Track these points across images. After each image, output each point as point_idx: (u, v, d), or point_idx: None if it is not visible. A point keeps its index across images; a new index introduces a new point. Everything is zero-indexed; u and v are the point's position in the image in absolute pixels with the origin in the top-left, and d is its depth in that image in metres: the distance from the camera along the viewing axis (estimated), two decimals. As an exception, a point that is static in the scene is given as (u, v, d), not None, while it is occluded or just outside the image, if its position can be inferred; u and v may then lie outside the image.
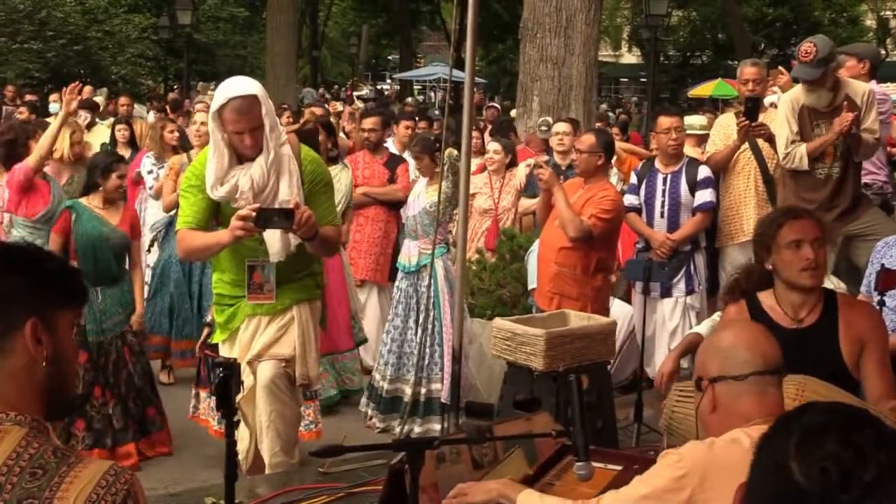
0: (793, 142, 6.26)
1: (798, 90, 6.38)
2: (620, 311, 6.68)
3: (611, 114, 20.40)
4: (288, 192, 4.36)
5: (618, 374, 6.65)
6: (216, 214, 4.48)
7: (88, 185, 6.08)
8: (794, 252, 3.68)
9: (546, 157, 8.04)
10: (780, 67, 8.71)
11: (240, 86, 4.29)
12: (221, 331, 4.69)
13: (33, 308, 1.87)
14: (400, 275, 6.74)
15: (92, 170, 6.11)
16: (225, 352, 4.65)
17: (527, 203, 8.03)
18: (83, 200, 6.00)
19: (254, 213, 4.12)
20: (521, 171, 8.12)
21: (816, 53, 5.98)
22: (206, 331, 5.71)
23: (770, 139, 6.67)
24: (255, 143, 4.28)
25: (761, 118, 6.74)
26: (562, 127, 8.32)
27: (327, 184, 4.67)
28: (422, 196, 6.54)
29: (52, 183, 6.71)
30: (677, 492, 2.48)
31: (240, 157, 4.37)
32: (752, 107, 6.58)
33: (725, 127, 7.14)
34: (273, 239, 4.38)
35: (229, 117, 4.24)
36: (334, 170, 6.96)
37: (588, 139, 6.15)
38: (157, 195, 7.95)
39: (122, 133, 9.63)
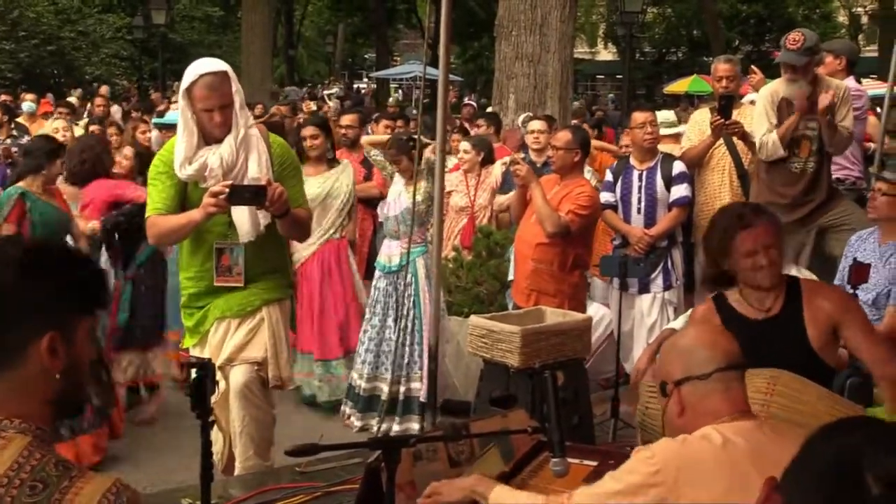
0: (769, 132, 6.30)
1: (777, 83, 6.43)
2: (597, 313, 6.69)
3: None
4: (257, 171, 4.34)
5: (598, 371, 6.68)
6: (184, 201, 4.43)
7: (29, 167, 5.99)
8: (748, 259, 3.73)
9: (522, 155, 8.04)
10: (753, 67, 8.75)
11: (210, 63, 4.33)
12: (191, 335, 4.64)
13: (55, 320, 1.81)
14: (378, 274, 6.69)
15: (35, 152, 6.03)
16: (196, 355, 4.61)
17: (501, 199, 8.03)
18: (23, 185, 5.92)
19: (226, 190, 4.12)
20: (496, 169, 8.12)
21: (804, 42, 6.10)
22: None
23: (744, 137, 6.72)
24: (224, 120, 4.28)
25: (736, 115, 6.78)
26: (537, 124, 8.32)
27: (296, 168, 4.68)
28: (403, 196, 6.51)
29: None
30: (650, 487, 2.48)
31: (208, 140, 4.36)
32: (725, 104, 6.64)
33: (700, 122, 7.18)
34: (242, 219, 4.36)
35: (199, 93, 4.23)
36: (336, 171, 6.98)
37: (564, 136, 6.16)
38: None
39: (114, 138, 9.40)
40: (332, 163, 7.10)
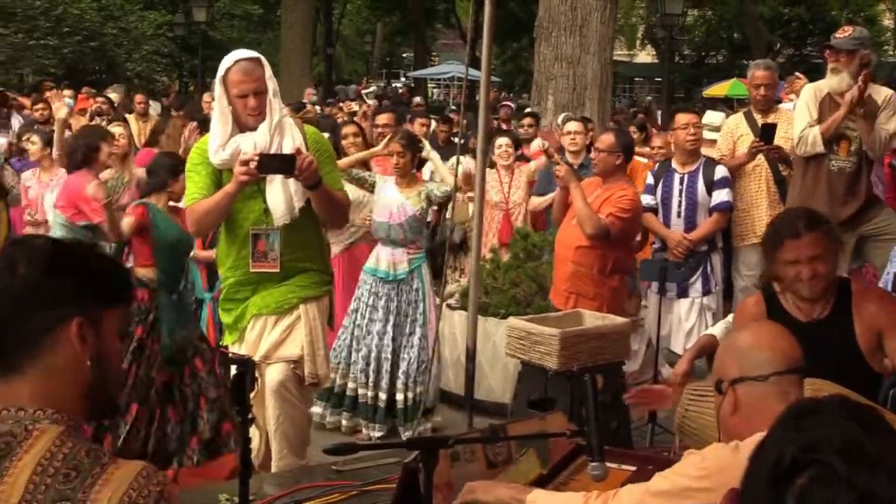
0: (810, 126, 6.26)
1: (822, 81, 6.41)
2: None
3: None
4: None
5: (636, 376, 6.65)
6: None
7: (154, 185, 5.80)
8: (792, 269, 3.70)
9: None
10: (796, 73, 8.70)
11: (244, 51, 4.48)
12: (230, 332, 4.67)
13: (79, 307, 1.85)
14: (372, 280, 6.42)
15: (158, 170, 5.86)
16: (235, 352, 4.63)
17: (537, 201, 8.02)
18: (151, 201, 5.75)
19: (256, 158, 4.17)
20: (532, 164, 8.13)
21: (853, 32, 6.21)
22: None
23: (785, 160, 6.70)
24: (258, 106, 4.33)
25: (773, 118, 6.76)
26: (573, 126, 8.31)
27: (331, 154, 4.72)
28: (406, 205, 6.32)
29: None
30: (698, 492, 2.46)
31: (243, 130, 4.41)
32: (767, 131, 6.61)
33: (732, 131, 7.12)
34: (277, 201, 4.39)
35: (235, 78, 4.32)
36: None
37: (607, 138, 6.12)
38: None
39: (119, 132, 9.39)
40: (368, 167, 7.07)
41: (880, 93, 6.26)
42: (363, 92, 22.30)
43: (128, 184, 7.18)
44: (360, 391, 6.39)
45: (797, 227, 3.73)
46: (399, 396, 6.33)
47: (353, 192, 6.71)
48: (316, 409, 6.19)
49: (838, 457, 1.33)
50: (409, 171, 6.49)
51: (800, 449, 1.37)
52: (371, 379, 6.35)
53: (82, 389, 1.86)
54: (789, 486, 1.34)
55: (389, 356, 6.32)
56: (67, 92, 13.81)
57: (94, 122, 10.49)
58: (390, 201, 6.39)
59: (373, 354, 6.34)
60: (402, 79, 48.52)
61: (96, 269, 1.93)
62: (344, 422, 6.41)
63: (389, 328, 6.36)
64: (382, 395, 6.33)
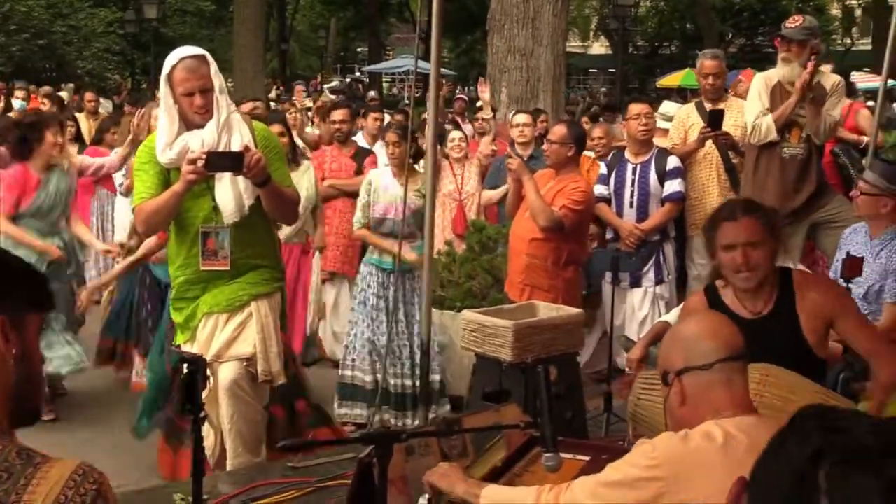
0: (763, 115, 6.32)
1: (773, 70, 6.48)
2: None
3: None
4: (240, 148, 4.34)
5: (591, 366, 6.67)
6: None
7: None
8: (727, 255, 3.69)
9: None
10: (740, 76, 8.80)
11: (188, 49, 4.40)
12: (182, 331, 4.62)
13: (3, 308, 1.84)
14: (376, 272, 6.55)
15: None
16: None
17: (489, 194, 8.03)
18: None
19: (204, 156, 4.13)
20: (482, 148, 8.18)
21: (803, 22, 6.31)
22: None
23: (733, 147, 6.77)
24: (205, 104, 4.28)
25: (722, 106, 6.84)
26: (522, 118, 8.32)
27: (280, 151, 4.69)
28: (411, 199, 6.19)
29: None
30: (648, 481, 2.48)
31: (190, 128, 4.36)
32: (715, 118, 6.67)
33: (683, 120, 7.20)
34: (226, 199, 4.36)
35: (179, 76, 4.26)
36: (297, 174, 6.87)
37: (559, 130, 6.14)
38: (128, 192, 7.82)
39: (68, 129, 9.00)
40: (293, 165, 7.00)
41: (829, 79, 6.35)
42: (325, 87, 22.23)
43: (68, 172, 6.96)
44: (392, 381, 6.39)
45: (735, 210, 3.74)
46: (402, 383, 6.38)
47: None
48: (359, 411, 6.37)
49: (870, 438, 1.33)
50: (405, 161, 6.47)
51: (829, 429, 1.37)
52: (406, 367, 6.39)
53: (7, 390, 1.85)
54: (818, 466, 1.33)
55: (407, 342, 6.39)
56: (20, 93, 13.56)
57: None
58: (393, 196, 6.45)
59: (371, 341, 6.43)
60: (357, 73, 48.39)
61: (17, 274, 1.93)
62: (392, 420, 6.40)
63: (401, 316, 6.43)
64: (410, 382, 6.36)
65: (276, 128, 7.03)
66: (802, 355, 3.64)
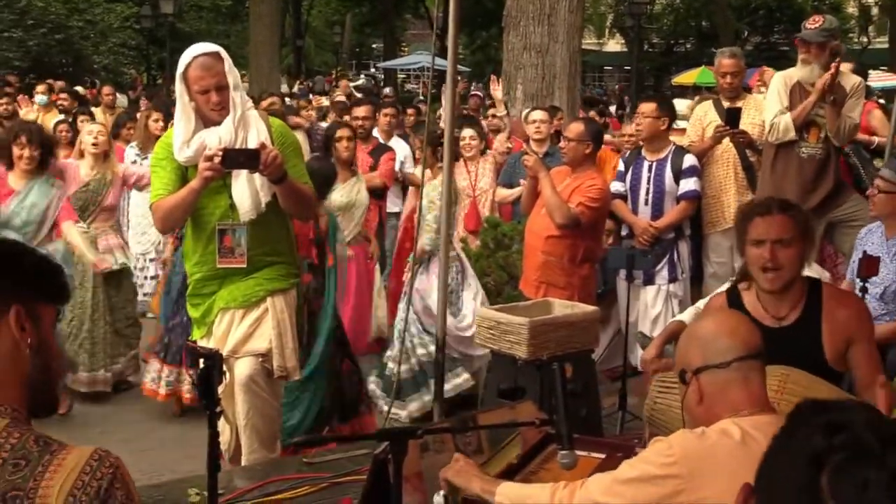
0: (781, 113, 6.29)
1: (792, 69, 6.45)
2: None
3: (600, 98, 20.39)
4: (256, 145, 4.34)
5: (606, 363, 6.66)
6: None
7: None
8: (756, 250, 3.62)
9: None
10: (764, 67, 8.75)
11: (202, 46, 4.39)
12: (198, 327, 4.64)
13: (16, 298, 1.88)
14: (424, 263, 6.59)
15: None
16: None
17: (504, 193, 8.02)
18: None
19: (220, 153, 4.14)
20: (497, 145, 8.16)
21: (823, 23, 6.26)
22: None
23: (750, 145, 6.74)
24: (221, 101, 4.29)
25: (741, 104, 6.80)
26: (538, 115, 8.31)
27: (296, 146, 4.69)
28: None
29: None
30: (665, 479, 2.47)
31: (206, 125, 4.36)
32: (732, 116, 6.64)
33: (701, 118, 7.17)
34: (243, 197, 4.36)
35: (194, 74, 4.26)
36: (349, 182, 6.97)
37: (576, 127, 6.13)
38: (144, 187, 7.77)
39: (63, 134, 8.71)
40: (349, 172, 7.09)
41: (849, 80, 6.31)
42: (351, 85, 22.28)
43: (111, 183, 6.90)
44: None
45: (770, 206, 3.68)
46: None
47: (345, 195, 6.77)
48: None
49: (869, 434, 1.34)
50: (434, 163, 6.54)
51: (829, 428, 1.37)
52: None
53: (23, 379, 1.87)
54: (821, 469, 1.33)
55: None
56: (41, 87, 13.53)
57: (61, 118, 10.30)
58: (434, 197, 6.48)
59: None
60: (372, 69, 48.42)
61: (34, 267, 1.95)
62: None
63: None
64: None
65: (345, 131, 7.14)
66: (820, 368, 3.55)
